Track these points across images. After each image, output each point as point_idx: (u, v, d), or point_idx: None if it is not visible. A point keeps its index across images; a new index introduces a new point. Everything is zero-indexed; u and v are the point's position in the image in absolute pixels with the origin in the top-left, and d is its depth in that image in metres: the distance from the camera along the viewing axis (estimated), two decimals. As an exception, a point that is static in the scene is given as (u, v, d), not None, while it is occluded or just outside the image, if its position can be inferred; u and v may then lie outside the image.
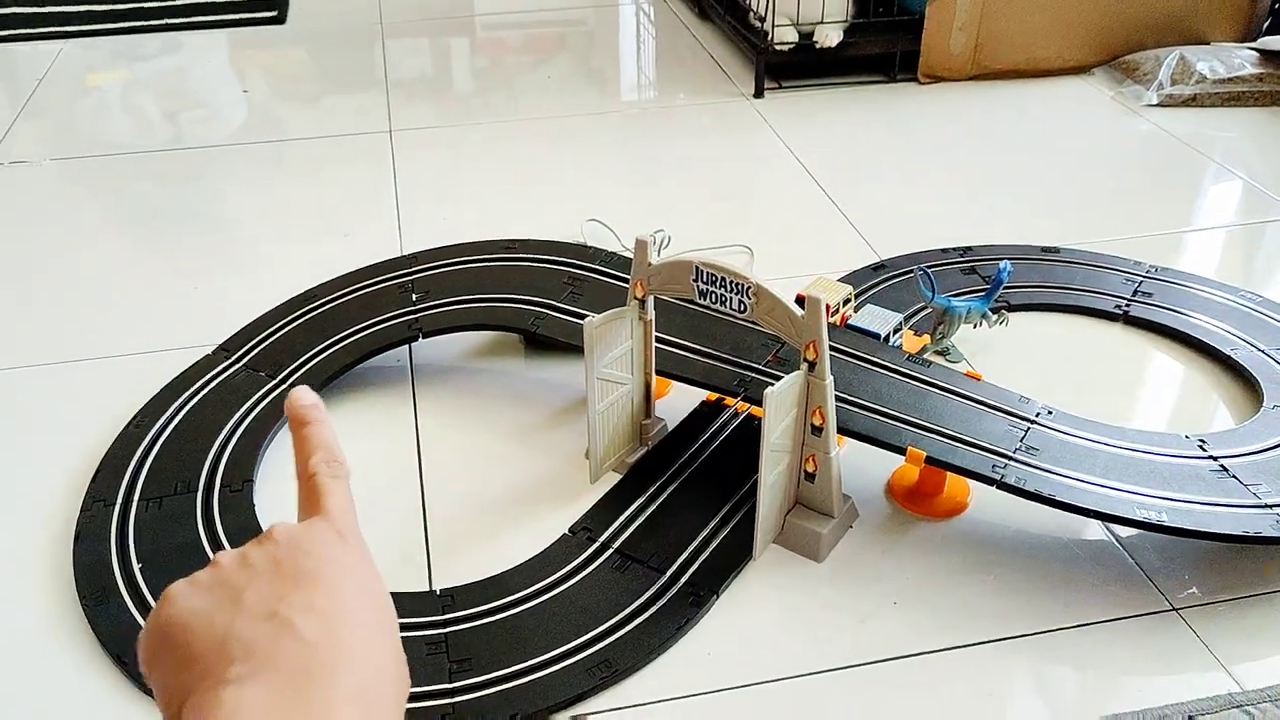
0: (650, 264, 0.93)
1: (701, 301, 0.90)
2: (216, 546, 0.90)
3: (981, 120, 1.77)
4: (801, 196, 1.54)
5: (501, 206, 1.52)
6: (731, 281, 0.88)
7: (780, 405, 0.84)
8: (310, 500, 0.39)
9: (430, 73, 2.06)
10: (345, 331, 1.12)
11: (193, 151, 1.71)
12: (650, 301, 0.96)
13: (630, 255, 0.93)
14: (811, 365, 0.86)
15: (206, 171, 1.65)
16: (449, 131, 1.77)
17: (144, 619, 0.84)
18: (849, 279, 1.29)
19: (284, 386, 1.07)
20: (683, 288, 0.91)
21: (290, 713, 0.30)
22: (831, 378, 0.86)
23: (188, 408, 1.05)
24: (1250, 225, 1.47)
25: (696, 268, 0.89)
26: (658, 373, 1.00)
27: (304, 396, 0.42)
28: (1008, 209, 1.50)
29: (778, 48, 1.82)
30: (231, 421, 1.03)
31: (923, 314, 1.20)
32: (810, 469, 0.91)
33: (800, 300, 0.87)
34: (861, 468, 1.00)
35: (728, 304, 0.89)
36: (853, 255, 1.37)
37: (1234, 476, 0.90)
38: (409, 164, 1.65)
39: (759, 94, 1.84)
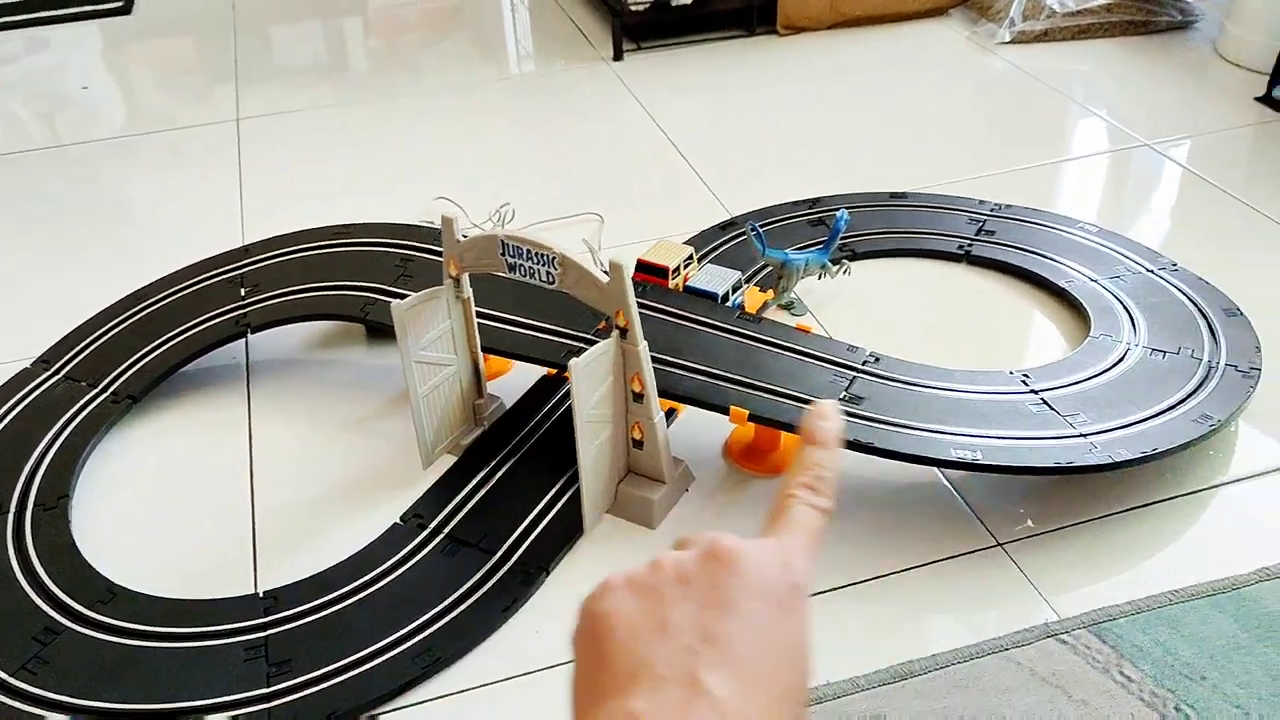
0: (459, 240, 0.90)
1: (512, 275, 0.88)
2: (26, 568, 0.87)
3: (840, 69, 1.77)
4: (656, 158, 1.52)
5: (353, 190, 1.48)
6: (537, 253, 0.86)
7: (589, 376, 0.83)
8: (777, 517, 0.37)
9: (284, 57, 2.00)
10: (171, 333, 1.08)
11: (23, 155, 1.64)
12: (466, 279, 0.94)
13: (479, 231, 0.90)
14: (623, 332, 0.85)
15: (38, 171, 1.58)
16: (300, 117, 1.72)
17: (-53, 651, 0.80)
18: (698, 239, 1.28)
19: (104, 395, 1.03)
20: (493, 263, 0.89)
21: None
22: (645, 343, 0.85)
23: (0, 426, 1.01)
24: (1098, 156, 1.49)
25: (502, 241, 0.87)
26: (484, 349, 0.99)
27: (826, 415, 0.39)
28: (864, 157, 1.50)
29: (633, 8, 1.79)
30: (48, 436, 0.99)
31: (767, 270, 1.19)
32: (637, 436, 0.90)
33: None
34: (701, 429, 1.00)
35: (536, 276, 0.87)
36: (705, 214, 1.36)
37: (1053, 408, 0.91)
38: (257, 152, 1.60)
39: (618, 57, 1.82)
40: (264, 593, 0.86)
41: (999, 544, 0.88)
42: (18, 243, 1.41)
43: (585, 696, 0.33)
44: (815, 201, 1.33)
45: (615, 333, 0.85)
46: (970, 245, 1.23)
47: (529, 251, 0.86)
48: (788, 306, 1.17)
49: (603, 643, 0.33)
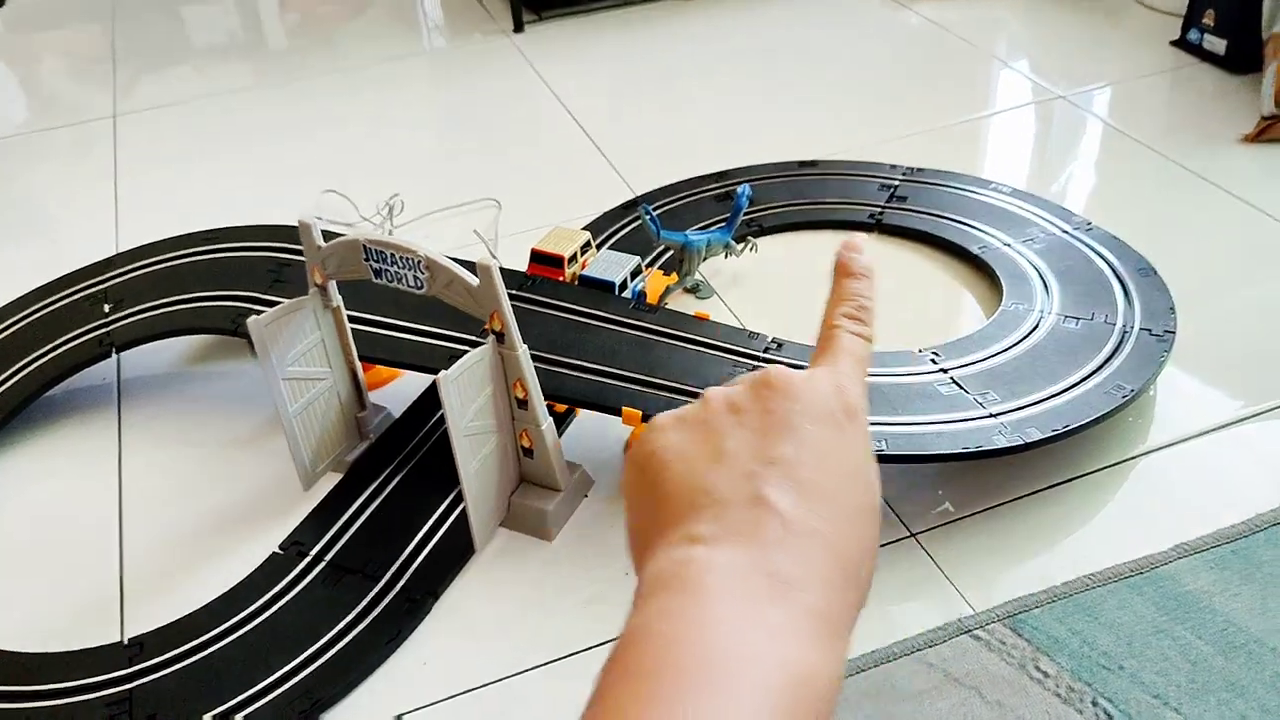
0: (319, 247, 0.84)
1: (379, 282, 0.82)
2: None
3: (750, 33, 1.71)
4: (558, 137, 1.45)
5: (239, 187, 1.40)
6: (402, 257, 0.79)
7: (464, 387, 0.77)
8: (823, 349, 0.36)
9: (169, 45, 1.89)
10: (24, 360, 1.00)
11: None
12: (333, 286, 0.87)
13: (369, 225, 0.83)
14: (500, 336, 0.79)
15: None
16: (183, 109, 1.62)
17: None
18: (599, 222, 1.22)
19: (-45, 431, 0.95)
20: (357, 269, 0.82)
21: (758, 593, 0.28)
22: (524, 346, 0.79)
23: None
24: (1015, 110, 1.45)
25: (364, 246, 0.81)
26: (363, 359, 0.92)
27: (858, 247, 0.39)
28: (775, 124, 1.44)
29: (531, -23, 1.72)
30: (-107, 480, 0.91)
31: (670, 253, 1.13)
32: (526, 444, 0.84)
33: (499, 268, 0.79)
34: (600, 428, 0.94)
35: (404, 281, 0.81)
36: (609, 195, 1.29)
37: (962, 388, 0.87)
38: (136, 150, 1.51)
39: (518, 29, 1.74)
40: (129, 640, 0.79)
41: (912, 534, 0.84)
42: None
43: (644, 537, 0.32)
44: (722, 175, 1.27)
45: (491, 337, 0.79)
46: (881, 214, 1.18)
47: (394, 256, 0.80)
48: (693, 290, 1.11)
49: (658, 479, 0.32)
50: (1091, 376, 0.88)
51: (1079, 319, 0.96)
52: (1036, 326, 0.95)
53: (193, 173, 1.44)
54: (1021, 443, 0.81)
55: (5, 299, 1.09)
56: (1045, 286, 1.01)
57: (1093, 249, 1.07)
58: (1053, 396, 0.86)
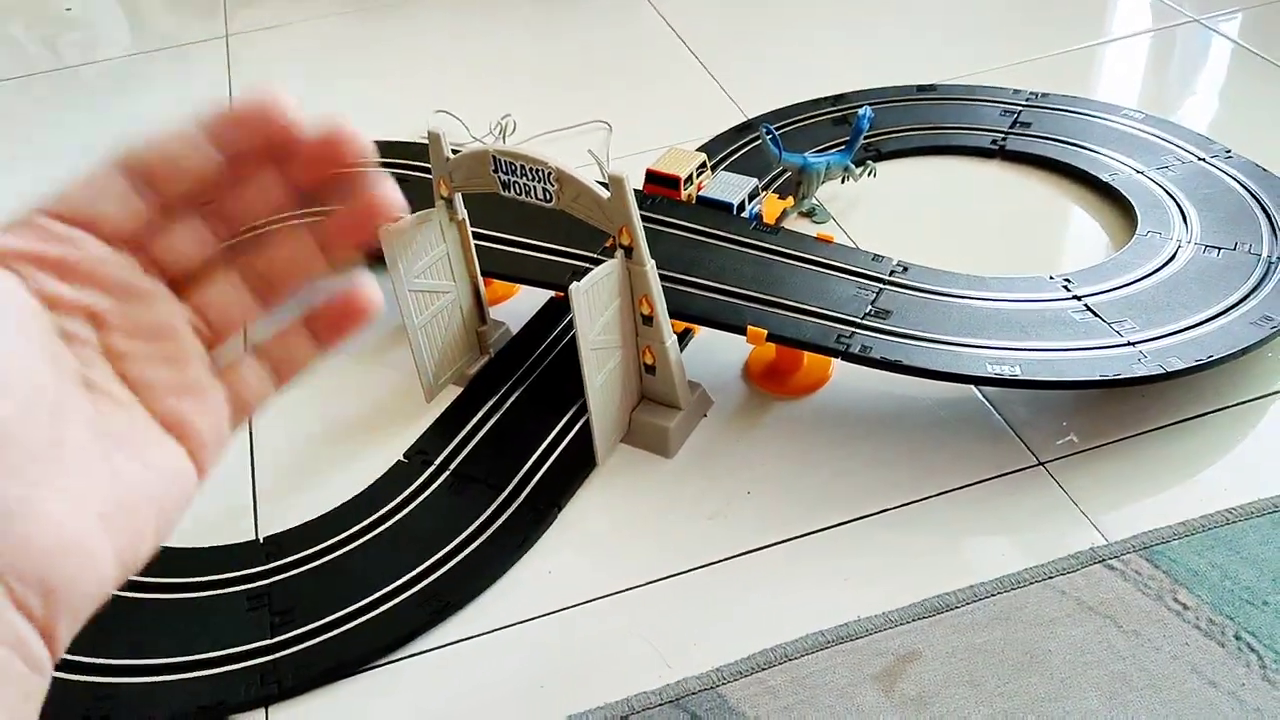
0: (448, 158, 0.84)
1: (507, 194, 0.82)
2: (20, 521, 0.84)
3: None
4: (668, 61, 1.43)
5: (351, 106, 1.41)
6: (531, 169, 0.79)
7: (593, 300, 0.77)
8: None
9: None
10: (158, 268, 1.03)
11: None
12: (459, 199, 0.87)
13: (479, 146, 0.83)
14: (628, 251, 0.79)
15: (16, 102, 1.52)
16: (294, 30, 1.63)
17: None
18: (712, 144, 1.20)
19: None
20: (485, 181, 0.82)
21: None
22: (652, 262, 0.79)
23: (-10, 372, 0.97)
24: (1142, 35, 1.38)
25: (493, 157, 0.80)
26: (484, 273, 0.93)
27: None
28: (890, 47, 1.40)
29: (638, -104, 1.67)
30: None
31: (787, 175, 1.11)
32: (649, 361, 0.84)
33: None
34: (719, 350, 0.94)
35: (533, 194, 0.80)
36: (721, 118, 1.27)
37: (1098, 315, 0.84)
38: (250, 71, 1.52)
39: (623, -50, 1.70)
40: (264, 539, 0.82)
41: (1040, 463, 0.82)
42: None
43: None
44: (838, 98, 1.24)
45: (620, 252, 0.79)
46: (1004, 139, 1.14)
47: (523, 167, 0.79)
48: (809, 214, 1.09)
49: None
50: (1235, 307, 0.85)
51: (1220, 249, 0.92)
52: (1174, 255, 0.92)
53: (301, 93, 1.45)
54: (1162, 371, 0.78)
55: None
56: (1183, 214, 0.97)
57: (1233, 177, 1.02)
58: (1193, 326, 0.83)
